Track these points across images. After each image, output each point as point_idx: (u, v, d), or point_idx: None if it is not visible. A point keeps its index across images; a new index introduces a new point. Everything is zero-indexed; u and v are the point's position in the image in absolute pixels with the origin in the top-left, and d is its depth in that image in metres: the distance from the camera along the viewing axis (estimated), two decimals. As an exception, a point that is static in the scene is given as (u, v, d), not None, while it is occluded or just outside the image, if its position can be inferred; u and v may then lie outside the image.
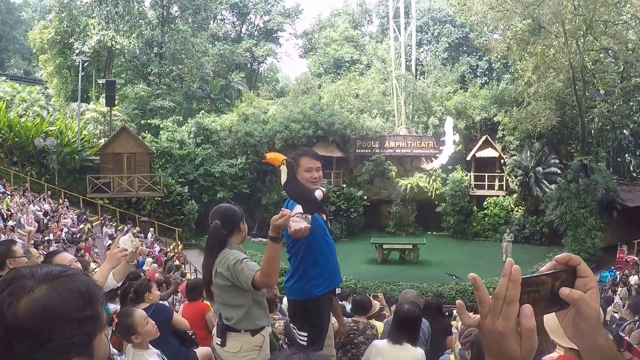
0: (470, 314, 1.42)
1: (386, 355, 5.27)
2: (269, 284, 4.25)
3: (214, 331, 4.87)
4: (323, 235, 4.86)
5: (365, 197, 42.19)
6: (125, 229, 29.79)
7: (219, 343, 4.60)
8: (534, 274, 1.35)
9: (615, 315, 13.13)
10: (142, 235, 30.25)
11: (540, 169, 39.21)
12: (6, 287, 1.48)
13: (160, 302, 7.39)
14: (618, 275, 24.66)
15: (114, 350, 5.11)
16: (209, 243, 4.63)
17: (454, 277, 30.87)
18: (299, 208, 4.28)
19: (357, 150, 43.88)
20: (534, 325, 1.30)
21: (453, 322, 11.16)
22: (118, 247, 4.38)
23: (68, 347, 1.45)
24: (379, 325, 7.97)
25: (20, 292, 1.45)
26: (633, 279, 20.84)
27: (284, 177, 4.34)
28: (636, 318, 9.40)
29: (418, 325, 5.73)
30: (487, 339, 1.35)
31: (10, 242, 5.97)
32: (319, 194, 5.07)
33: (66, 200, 32.06)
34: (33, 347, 1.41)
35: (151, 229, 31.98)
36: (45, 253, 15.51)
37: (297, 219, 3.99)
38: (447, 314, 13.49)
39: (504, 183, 41.93)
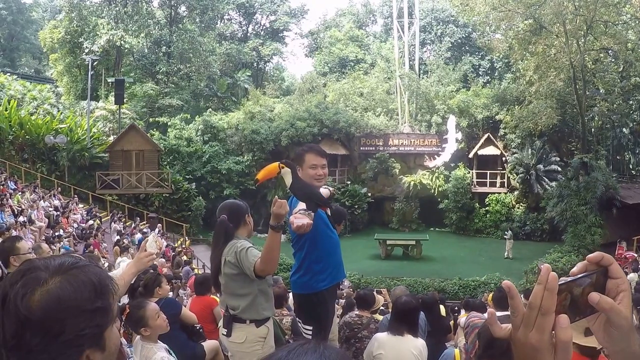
0: (502, 324, 1.34)
1: (387, 347, 5.37)
2: (268, 270, 4.33)
3: (221, 322, 4.97)
4: (327, 231, 4.87)
5: (369, 194, 42.58)
6: (132, 224, 30.29)
7: (225, 333, 4.71)
8: (568, 280, 1.27)
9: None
10: (149, 230, 30.71)
11: (541, 166, 39.61)
12: (20, 279, 1.48)
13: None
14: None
15: (123, 341, 5.42)
16: (215, 236, 4.82)
17: (505, 232, 31.82)
18: (302, 205, 4.35)
19: (361, 148, 44.39)
20: (570, 337, 1.22)
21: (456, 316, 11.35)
22: (145, 251, 4.16)
23: (80, 339, 1.46)
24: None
25: (34, 284, 1.45)
26: (631, 276, 21.24)
27: (288, 180, 4.40)
28: None
29: (416, 316, 5.81)
30: (519, 352, 1.27)
31: (15, 238, 5.91)
32: (325, 192, 5.24)
33: (76, 196, 32.41)
34: (46, 340, 1.42)
35: (159, 224, 32.22)
36: (57, 249, 16.12)
37: (299, 216, 4.06)
38: (456, 308, 13.95)
39: (505, 180, 42.28)
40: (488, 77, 53.67)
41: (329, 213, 4.75)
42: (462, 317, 10.52)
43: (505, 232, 35.48)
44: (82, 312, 1.46)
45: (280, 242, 4.29)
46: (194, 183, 40.14)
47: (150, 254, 4.08)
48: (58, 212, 26.84)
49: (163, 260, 21.56)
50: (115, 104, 41.81)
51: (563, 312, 1.23)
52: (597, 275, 1.29)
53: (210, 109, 49.96)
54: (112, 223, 28.94)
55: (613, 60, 39.80)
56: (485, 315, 6.59)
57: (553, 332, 1.23)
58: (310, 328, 4.92)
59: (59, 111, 42.27)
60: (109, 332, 1.55)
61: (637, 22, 37.13)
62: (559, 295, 1.22)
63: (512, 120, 40.79)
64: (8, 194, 24.37)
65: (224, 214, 4.71)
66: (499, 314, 6.64)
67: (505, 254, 34.49)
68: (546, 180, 39.04)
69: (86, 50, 47.64)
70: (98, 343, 1.51)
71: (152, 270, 9.81)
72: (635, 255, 28.20)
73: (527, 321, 1.23)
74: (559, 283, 1.22)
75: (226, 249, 4.56)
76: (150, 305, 5.08)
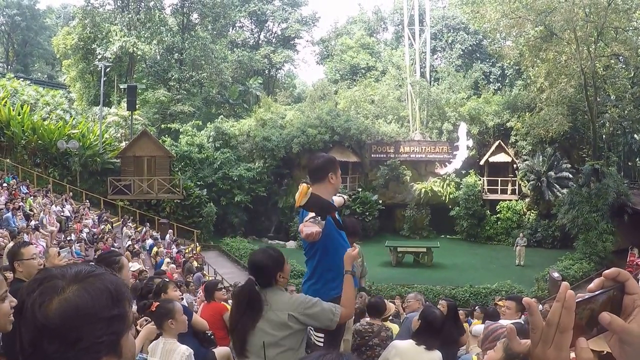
0: (522, 340, 1.33)
1: (406, 357, 5.25)
2: (350, 313, 4.41)
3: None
4: (339, 240, 4.81)
5: (380, 201, 42.41)
6: (143, 229, 30.41)
7: None
8: (585, 297, 1.27)
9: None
10: (159, 236, 30.89)
11: (552, 173, 39.48)
12: (37, 287, 1.48)
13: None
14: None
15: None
16: (238, 297, 4.33)
17: (519, 239, 32.16)
18: (312, 213, 4.41)
19: (372, 155, 44.28)
20: (591, 357, 1.23)
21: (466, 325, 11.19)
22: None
23: (98, 346, 1.47)
24: (394, 327, 8.02)
25: (51, 293, 1.46)
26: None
27: (304, 200, 4.35)
28: None
29: (443, 328, 5.74)
30: None
31: (21, 244, 5.82)
32: (339, 200, 5.32)
33: (87, 201, 32.65)
34: (63, 348, 1.43)
35: (170, 230, 32.34)
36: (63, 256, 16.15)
37: (309, 224, 4.18)
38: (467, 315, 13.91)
39: (516, 187, 42.17)
40: (499, 84, 53.62)
41: (337, 217, 4.65)
42: (475, 324, 10.45)
43: (519, 239, 35.30)
44: (99, 320, 1.47)
45: (352, 283, 4.35)
46: (205, 189, 40.19)
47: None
48: (68, 216, 27.07)
49: (174, 266, 21.71)
50: (127, 110, 41.95)
51: (581, 328, 1.25)
52: (613, 291, 1.29)
53: (221, 116, 50.04)
54: (124, 228, 29.03)
55: (624, 66, 39.85)
56: (503, 322, 6.65)
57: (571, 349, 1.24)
58: (322, 335, 4.88)
59: (71, 117, 42.40)
60: (125, 339, 1.57)
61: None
62: (577, 313, 1.23)
63: (523, 127, 40.82)
64: (20, 198, 24.57)
65: (252, 274, 4.24)
66: (509, 321, 6.66)
67: (517, 260, 34.41)
68: (557, 187, 38.95)
69: (99, 57, 48.07)
70: (115, 350, 1.52)
71: (159, 278, 9.95)
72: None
73: (545, 338, 1.24)
74: (577, 301, 1.23)
75: (287, 305, 4.14)
76: (178, 303, 5.42)
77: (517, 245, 34.82)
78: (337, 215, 4.73)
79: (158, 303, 5.28)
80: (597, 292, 1.28)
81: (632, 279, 1.30)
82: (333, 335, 4.79)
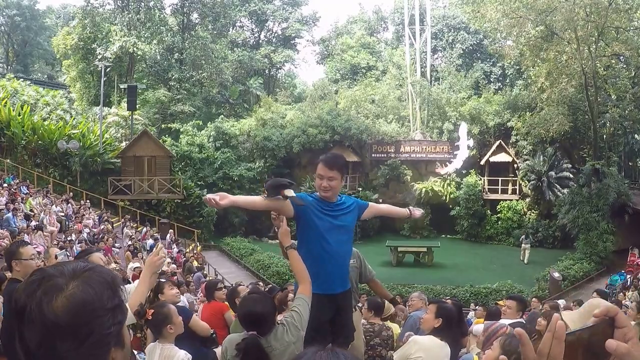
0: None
1: (429, 352, 5.14)
2: (308, 287, 4.24)
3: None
4: (320, 240, 4.63)
5: (381, 201, 42.36)
6: (144, 229, 30.40)
7: None
8: (576, 329, 1.32)
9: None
10: (159, 236, 30.84)
11: (552, 173, 39.42)
12: (38, 288, 1.46)
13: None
14: (629, 279, 24.68)
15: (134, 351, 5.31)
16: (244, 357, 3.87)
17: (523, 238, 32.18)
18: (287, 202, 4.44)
19: (373, 155, 44.40)
20: None
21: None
22: (157, 255, 4.11)
23: (107, 337, 1.48)
24: (395, 327, 7.98)
25: (55, 291, 1.45)
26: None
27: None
28: None
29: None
30: None
31: (20, 243, 5.77)
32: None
33: (88, 201, 32.64)
34: (76, 344, 1.42)
35: (170, 230, 32.27)
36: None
37: (220, 194, 4.15)
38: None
39: (517, 187, 42.16)
40: (499, 84, 53.54)
41: (288, 194, 4.43)
42: (476, 324, 10.42)
43: (523, 238, 35.42)
44: (105, 312, 1.48)
45: (299, 257, 4.33)
46: (206, 189, 39.99)
47: (162, 256, 4.13)
48: (69, 214, 27.08)
49: (174, 266, 21.68)
50: (127, 110, 41.98)
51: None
52: (603, 325, 1.32)
53: (222, 116, 50.07)
54: (124, 228, 29.03)
55: (624, 66, 39.71)
56: (503, 321, 6.62)
57: None
58: None
59: (71, 117, 42.48)
60: (124, 329, 1.59)
61: (648, 28, 37.08)
62: (569, 344, 1.26)
63: (523, 127, 40.71)
64: (20, 199, 24.55)
65: (254, 327, 3.99)
66: (509, 320, 6.59)
67: (525, 259, 34.56)
68: (558, 187, 38.91)
69: (99, 57, 48.04)
70: (119, 340, 1.54)
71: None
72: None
73: None
74: (567, 333, 1.28)
75: (287, 338, 3.99)
76: (171, 305, 5.30)
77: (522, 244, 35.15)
78: (291, 192, 4.49)
79: (153, 310, 5.05)
80: (588, 324, 1.33)
81: (621, 313, 1.34)
82: (307, 331, 4.50)
